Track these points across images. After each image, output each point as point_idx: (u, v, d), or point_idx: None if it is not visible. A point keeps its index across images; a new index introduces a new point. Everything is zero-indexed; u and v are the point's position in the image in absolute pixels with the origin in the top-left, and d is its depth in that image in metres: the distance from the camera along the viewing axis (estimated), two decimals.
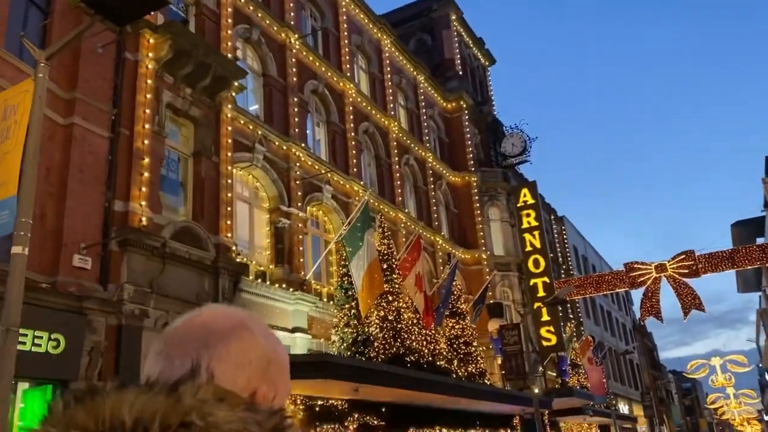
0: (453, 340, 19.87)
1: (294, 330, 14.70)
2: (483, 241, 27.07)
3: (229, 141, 13.30)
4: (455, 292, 20.34)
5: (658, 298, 23.59)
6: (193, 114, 12.73)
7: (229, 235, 12.66)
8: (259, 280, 14.22)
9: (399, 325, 15.93)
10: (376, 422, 15.56)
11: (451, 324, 20.12)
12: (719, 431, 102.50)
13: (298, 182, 16.21)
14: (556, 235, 41.27)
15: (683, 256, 23.62)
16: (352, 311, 14.94)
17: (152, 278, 10.60)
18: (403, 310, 16.24)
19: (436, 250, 23.77)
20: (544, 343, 26.13)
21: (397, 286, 16.49)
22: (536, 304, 26.56)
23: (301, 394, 12.99)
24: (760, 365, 72.06)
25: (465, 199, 27.48)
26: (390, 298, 16.21)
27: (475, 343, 20.11)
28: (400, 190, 22.09)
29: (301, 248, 15.74)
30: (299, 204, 16.11)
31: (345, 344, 14.68)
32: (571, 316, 37.65)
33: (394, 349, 15.57)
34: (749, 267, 23.16)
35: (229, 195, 12.94)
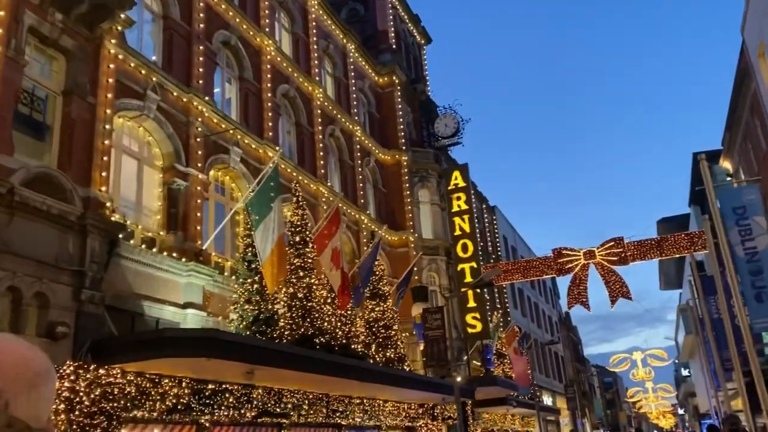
0: (372, 323, 18.47)
1: (186, 305, 12.89)
2: (411, 223, 25.80)
3: (111, 81, 11.35)
4: (377, 272, 18.93)
5: (585, 285, 22.97)
6: (64, 45, 10.72)
7: (103, 188, 10.75)
8: (144, 247, 12.33)
9: (309, 304, 14.37)
10: (279, 410, 13.98)
11: (371, 306, 18.72)
12: (636, 424, 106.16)
13: (198, 140, 14.36)
14: (486, 225, 40.62)
15: (612, 243, 23.08)
16: (255, 286, 13.26)
17: None
18: (315, 287, 14.68)
19: (360, 229, 22.32)
20: (470, 330, 25.14)
21: (310, 261, 14.92)
22: (462, 290, 25.53)
23: (186, 377, 11.25)
24: (677, 361, 74.64)
25: (394, 179, 26.13)
26: (301, 274, 14.62)
27: (395, 327, 18.78)
28: (322, 162, 20.48)
29: (198, 214, 13.93)
30: (199, 164, 14.28)
31: (244, 323, 12.99)
32: (498, 306, 37.05)
33: (302, 330, 14.01)
34: (676, 255, 22.83)
35: (106, 143, 11.01)
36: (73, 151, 10.45)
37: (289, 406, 14.26)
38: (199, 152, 14.34)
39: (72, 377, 8.99)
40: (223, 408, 12.21)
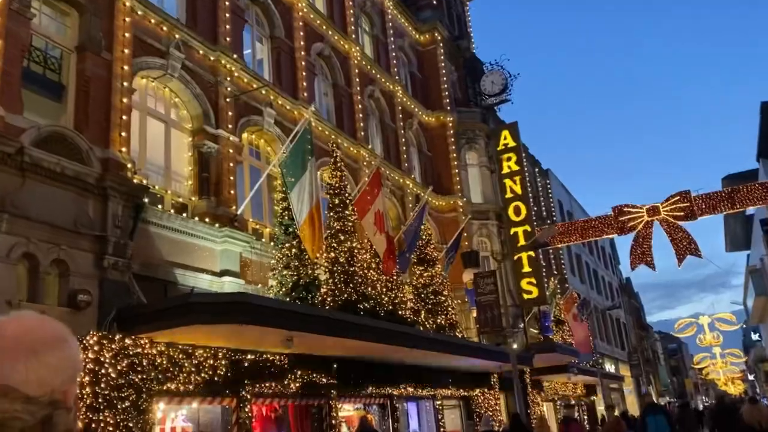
0: (420, 289, 17.58)
1: (222, 273, 12.27)
2: (459, 186, 24.66)
3: (127, 36, 10.65)
4: (424, 237, 17.98)
5: (650, 244, 21.37)
6: None
7: (124, 149, 10.10)
8: (173, 212, 11.70)
9: (352, 269, 13.55)
10: (325, 381, 13.30)
11: (418, 271, 17.81)
12: (703, 391, 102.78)
13: (228, 100, 13.60)
14: (540, 189, 39.00)
15: (677, 198, 21.36)
16: (293, 251, 12.51)
17: (4, 195, 8.06)
18: (357, 251, 13.84)
19: (405, 194, 21.35)
20: (525, 296, 23.94)
21: (350, 224, 14.07)
22: (516, 255, 24.31)
23: (222, 347, 10.63)
24: (744, 326, 71.29)
25: (440, 142, 24.97)
26: (341, 238, 13.80)
27: (445, 293, 17.84)
28: (362, 125, 19.52)
29: (231, 178, 13.22)
30: (230, 126, 13.53)
31: (284, 289, 12.28)
32: (555, 272, 35.63)
33: (345, 296, 13.22)
34: (750, 207, 20.99)
35: (125, 101, 10.34)
36: (90, 110, 9.82)
37: (336, 374, 13.57)
38: (230, 113, 13.59)
39: (96, 348, 8.42)
40: (264, 379, 11.59)
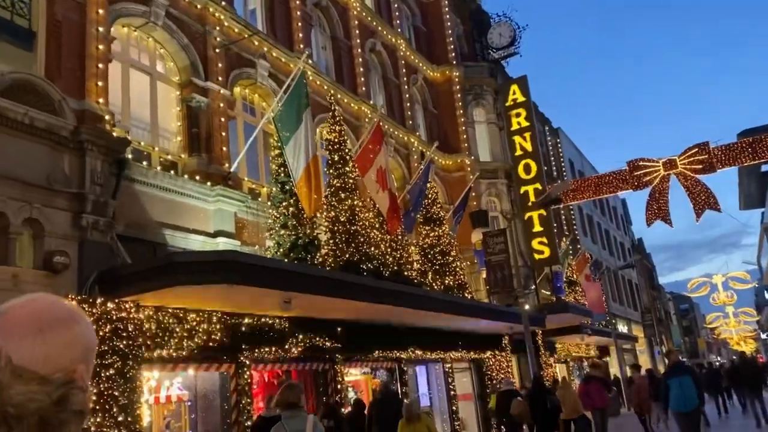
0: (427, 249, 16.90)
1: (216, 234, 11.59)
2: (467, 144, 23.77)
3: None
4: (430, 195, 17.22)
5: (666, 199, 20.50)
6: None
7: (101, 100, 9.34)
8: (160, 169, 10.99)
9: (353, 228, 12.86)
10: (328, 344, 12.73)
11: (425, 231, 17.11)
12: (716, 350, 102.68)
13: (218, 51, 12.75)
14: (550, 148, 38.02)
15: (696, 150, 20.39)
16: (290, 209, 11.80)
17: None
18: (358, 209, 13.12)
19: (410, 152, 20.51)
20: (537, 257, 23.24)
21: (351, 181, 13.33)
22: (527, 214, 23.53)
23: (217, 311, 10.02)
24: (756, 285, 70.51)
25: (446, 98, 24.00)
26: (342, 196, 13.08)
27: (453, 253, 17.15)
28: (363, 79, 18.60)
29: (224, 134, 12.46)
30: (220, 79, 12.71)
31: (282, 250, 11.61)
32: (567, 232, 34.88)
33: (347, 256, 12.55)
34: None
35: (101, 48, 9.54)
36: (63, 58, 9.04)
37: (340, 338, 12.99)
38: (220, 65, 12.76)
39: None
40: (264, 344, 11.01)
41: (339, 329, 12.93)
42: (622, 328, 43.40)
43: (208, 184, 11.59)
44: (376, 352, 14.23)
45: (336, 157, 13.35)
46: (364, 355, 13.94)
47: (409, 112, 21.12)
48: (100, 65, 9.41)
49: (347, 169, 13.23)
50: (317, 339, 12.30)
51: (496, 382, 18.83)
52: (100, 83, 9.31)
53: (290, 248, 11.56)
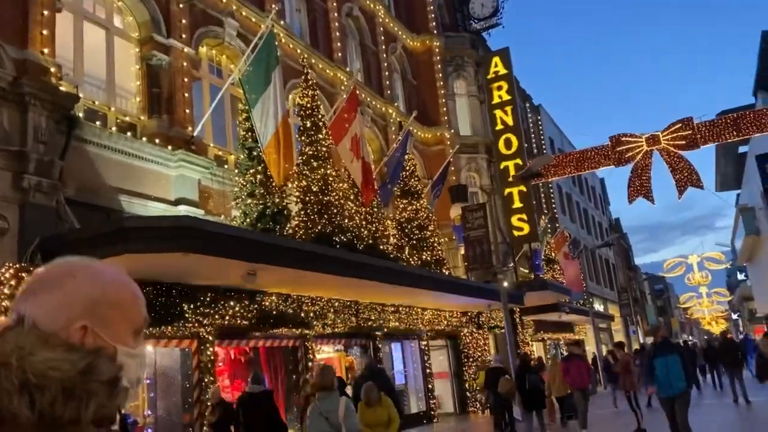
0: (404, 223, 16.29)
1: (178, 202, 10.84)
2: (446, 117, 23.10)
3: None
4: (407, 167, 16.57)
5: (649, 175, 20.09)
6: None
7: (46, 50, 8.49)
8: (114, 129, 10.17)
9: (326, 198, 12.17)
10: (299, 320, 12.11)
11: (402, 205, 16.48)
12: (688, 330, 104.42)
13: (182, 6, 11.87)
14: (531, 125, 37.48)
15: (679, 126, 19.96)
16: (258, 177, 11.08)
17: None
18: (332, 179, 12.43)
19: (388, 123, 19.79)
20: (516, 233, 22.78)
21: (324, 149, 12.61)
22: (507, 190, 23.01)
23: (177, 283, 9.31)
24: (729, 266, 71.35)
25: (426, 69, 23.24)
26: (314, 164, 12.36)
27: (431, 228, 16.57)
28: (339, 44, 17.76)
29: (186, 95, 11.63)
30: (184, 36, 11.85)
31: (248, 220, 10.91)
32: (546, 210, 34.55)
33: (319, 227, 11.88)
34: (757, 134, 19.66)
35: None
36: (2, 5, 8.15)
37: (311, 315, 12.39)
38: (183, 21, 11.89)
39: (13, 282, 7.06)
40: (227, 318, 10.35)
41: (310, 303, 12.33)
42: (599, 307, 43.45)
43: (169, 148, 10.80)
44: (349, 327, 13.66)
45: (308, 124, 12.61)
46: (337, 331, 13.35)
47: (388, 82, 20.36)
48: (46, 12, 8.54)
49: (320, 136, 12.50)
50: (287, 314, 11.67)
51: (476, 360, 18.48)
52: (44, 32, 8.45)
53: (257, 218, 10.86)
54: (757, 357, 14.52)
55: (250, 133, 11.16)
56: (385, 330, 15.11)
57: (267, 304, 11.20)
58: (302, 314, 12.10)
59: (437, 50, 23.29)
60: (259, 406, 7.53)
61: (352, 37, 19.42)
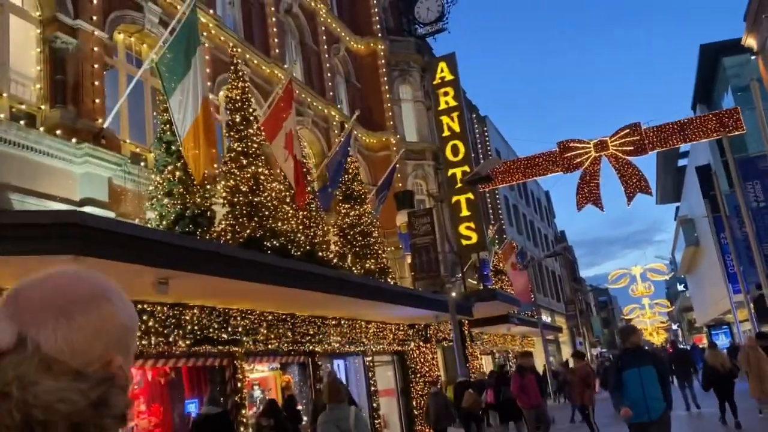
0: (346, 229, 15.22)
1: (83, 203, 9.49)
2: (392, 122, 22.25)
3: None
4: (350, 170, 15.55)
5: (597, 182, 19.69)
6: None
7: None
8: (4, 117, 8.79)
9: (257, 199, 11.01)
10: (226, 336, 10.85)
11: (344, 210, 15.42)
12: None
13: None
14: (477, 136, 37.15)
15: (627, 131, 19.66)
16: (177, 174, 9.84)
17: None
18: (263, 178, 11.28)
19: (330, 126, 18.74)
20: (464, 242, 22.04)
21: (255, 146, 11.46)
22: (455, 197, 22.29)
23: None
24: (669, 277, 73.17)
25: (370, 73, 22.36)
26: (243, 162, 11.19)
27: (375, 234, 15.55)
28: (276, 40, 16.66)
29: (96, 83, 10.31)
30: (94, 18, 10.54)
31: (165, 222, 9.64)
32: (493, 221, 34.12)
33: (249, 231, 10.69)
34: (703, 140, 19.55)
35: None
36: None
37: (240, 330, 11.13)
38: (94, 2, 10.58)
39: None
40: (142, 335, 9.02)
41: (239, 317, 11.09)
42: (546, 318, 43.28)
43: (73, 141, 9.46)
44: (286, 344, 12.45)
45: (238, 118, 11.45)
46: (271, 348, 12.12)
47: (330, 83, 19.36)
48: None
49: (251, 131, 11.35)
50: (211, 330, 10.40)
51: (423, 375, 17.53)
52: None
53: (175, 220, 9.61)
54: (704, 367, 14.35)
55: (168, 126, 9.93)
56: (326, 346, 13.96)
57: (187, 318, 9.92)
58: (229, 329, 10.84)
59: (382, 54, 22.47)
60: (215, 429, 7.23)
61: (291, 35, 18.37)
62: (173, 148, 9.91)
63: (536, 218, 52.23)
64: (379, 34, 22.56)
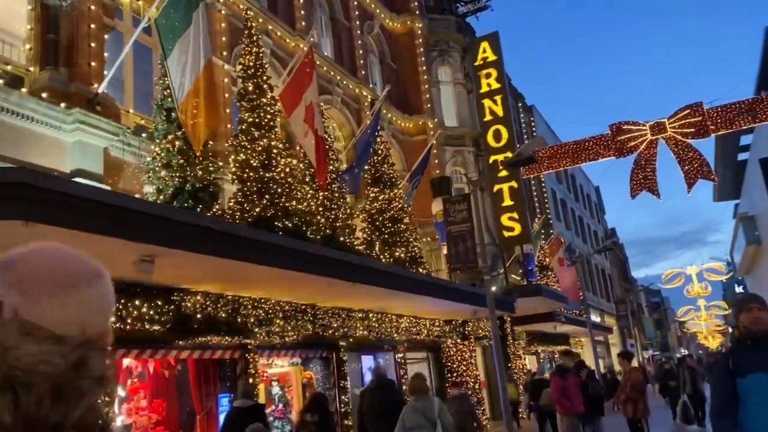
0: (375, 215, 14.01)
1: (74, 174, 8.55)
2: (430, 105, 20.93)
3: None
4: (380, 151, 14.33)
5: (654, 167, 17.70)
6: None
7: None
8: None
9: (269, 174, 9.89)
10: (238, 326, 9.80)
11: (373, 194, 14.21)
12: (685, 344, 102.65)
13: None
14: (523, 126, 35.49)
15: (687, 112, 17.64)
16: (177, 143, 8.81)
17: None
18: (276, 152, 10.16)
19: (362, 107, 17.56)
20: (506, 234, 20.55)
21: (268, 117, 10.36)
22: (497, 186, 20.82)
23: None
24: (725, 279, 69.50)
25: (407, 53, 21.10)
26: (255, 134, 10.09)
27: (406, 220, 14.29)
28: (303, 12, 15.56)
29: (93, 45, 9.37)
30: None
31: (163, 196, 8.62)
32: (539, 213, 32.40)
33: (259, 210, 9.59)
34: None
35: None
36: None
37: (251, 320, 10.06)
38: None
39: None
40: (129, 321, 8.02)
41: (251, 306, 10.02)
42: (596, 318, 41.19)
43: (63, 105, 8.52)
44: (304, 336, 11.34)
45: (250, 86, 10.35)
46: (288, 340, 11.01)
47: (362, 61, 18.18)
48: None
49: (264, 100, 10.24)
50: (218, 319, 9.35)
51: (460, 375, 16.24)
52: None
53: (173, 195, 8.57)
54: None
55: (169, 92, 8.90)
56: (351, 340, 12.80)
57: (188, 305, 8.88)
58: (239, 319, 9.78)
59: (419, 33, 21.17)
60: (249, 423, 6.89)
61: (321, 10, 17.25)
62: (174, 115, 8.89)
63: (585, 214, 50.01)
64: (417, 12, 21.27)
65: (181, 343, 9.12)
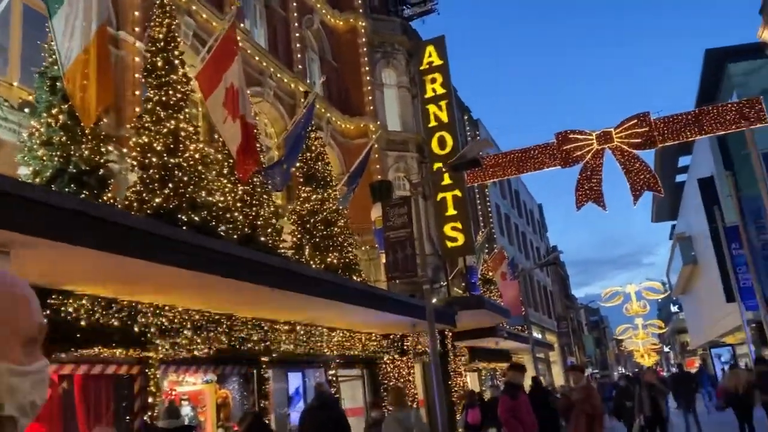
0: (306, 216, 12.76)
1: None
2: (372, 108, 19.91)
3: None
4: (313, 147, 13.13)
5: (599, 177, 17.35)
6: None
7: None
8: None
9: (174, 161, 8.54)
10: (137, 336, 8.36)
11: (304, 194, 12.97)
12: (622, 363, 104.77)
13: None
14: (470, 139, 34.94)
15: (634, 122, 17.36)
16: (61, 118, 7.39)
17: None
18: (184, 136, 8.83)
19: (297, 103, 16.31)
20: (449, 244, 19.62)
21: (178, 96, 9.03)
22: (440, 194, 19.90)
23: None
24: (663, 297, 71.04)
25: (349, 51, 20.05)
26: (162, 115, 8.74)
27: (341, 223, 13.08)
28: None
29: None
30: None
31: (39, 179, 7.18)
32: (483, 227, 31.82)
33: (159, 200, 8.23)
34: (721, 132, 17.28)
35: None
36: None
37: (152, 330, 8.63)
38: None
39: None
40: None
41: (150, 315, 8.60)
42: (537, 335, 40.83)
43: None
44: (220, 351, 9.94)
45: (159, 62, 9.01)
46: (196, 353, 9.60)
47: (299, 55, 16.98)
48: None
49: (173, 77, 8.91)
50: (110, 327, 7.91)
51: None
52: None
53: (53, 177, 7.13)
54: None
55: (55, 57, 7.50)
56: (275, 355, 11.46)
57: (71, 310, 7.43)
58: (136, 329, 8.34)
59: (363, 32, 20.18)
60: None
61: None
62: (59, 86, 7.48)
63: (528, 230, 49.99)
64: (361, 10, 20.29)
65: (63, 355, 7.66)
